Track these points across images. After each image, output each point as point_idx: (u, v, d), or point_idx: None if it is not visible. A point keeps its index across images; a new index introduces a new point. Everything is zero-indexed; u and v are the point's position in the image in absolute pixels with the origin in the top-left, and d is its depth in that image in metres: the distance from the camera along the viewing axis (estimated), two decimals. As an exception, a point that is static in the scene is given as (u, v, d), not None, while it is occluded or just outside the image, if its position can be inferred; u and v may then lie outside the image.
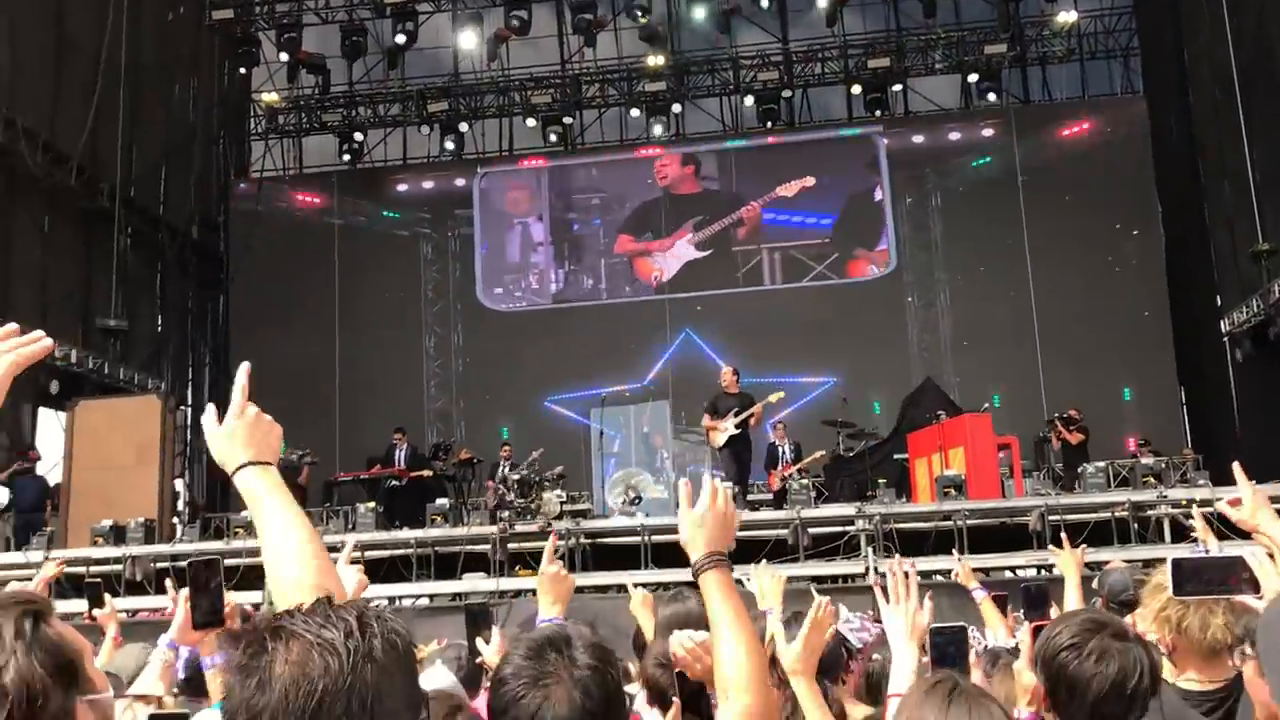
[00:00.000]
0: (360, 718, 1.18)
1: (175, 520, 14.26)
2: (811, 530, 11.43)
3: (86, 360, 17.24)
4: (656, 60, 21.79)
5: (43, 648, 1.53)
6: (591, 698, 1.67)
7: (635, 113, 22.58)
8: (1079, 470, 13.16)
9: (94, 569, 11.39)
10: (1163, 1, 20.00)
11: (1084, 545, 4.93)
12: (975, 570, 5.31)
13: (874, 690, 3.46)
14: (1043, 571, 10.29)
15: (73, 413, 15.05)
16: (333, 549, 2.43)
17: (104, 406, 15.45)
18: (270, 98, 23.28)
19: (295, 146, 23.98)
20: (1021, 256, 20.00)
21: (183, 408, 21.05)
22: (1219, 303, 18.06)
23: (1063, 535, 5.11)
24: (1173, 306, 19.60)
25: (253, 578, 8.09)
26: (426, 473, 15.90)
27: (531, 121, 22.62)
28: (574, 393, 19.89)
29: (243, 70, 22.82)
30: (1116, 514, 10.87)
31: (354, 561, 2.75)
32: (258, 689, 1.19)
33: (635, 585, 4.47)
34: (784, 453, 14.31)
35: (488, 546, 11.66)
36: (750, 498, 13.77)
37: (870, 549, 11.09)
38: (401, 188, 23.18)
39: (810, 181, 21.12)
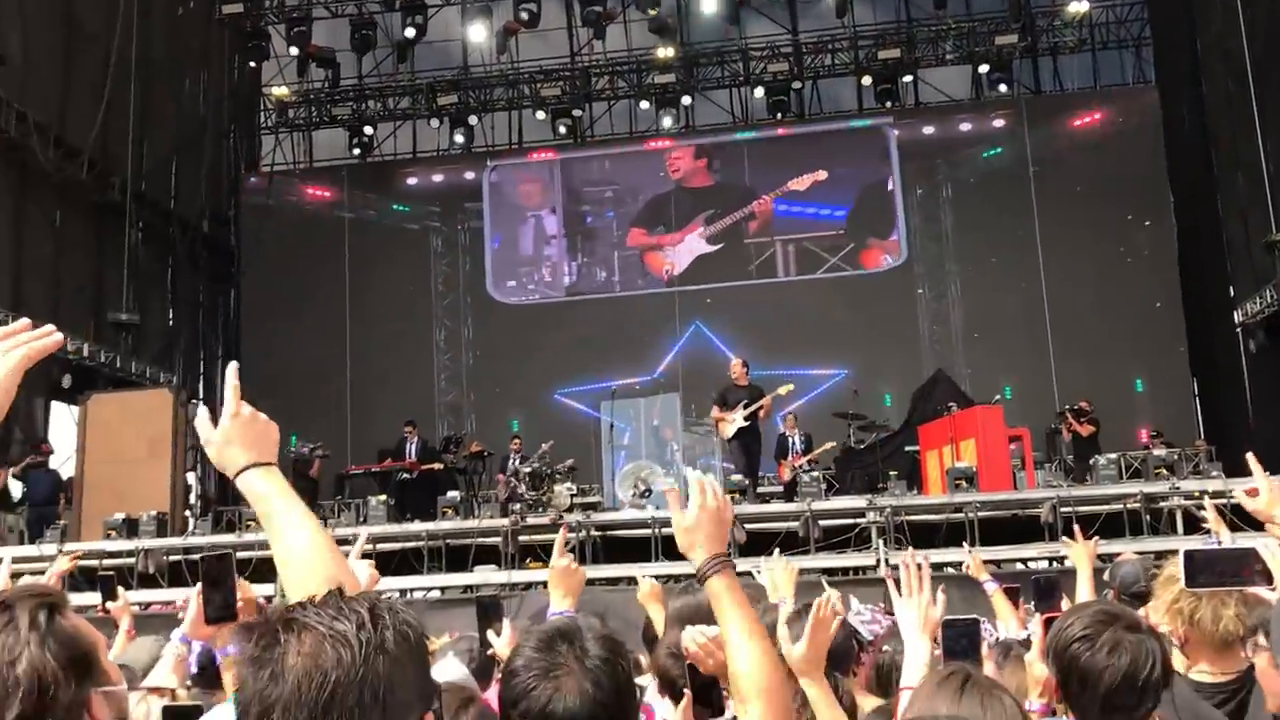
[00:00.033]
0: (372, 709, 1.19)
1: (187, 513, 14.32)
2: (822, 522, 11.42)
3: (98, 354, 17.31)
4: (666, 52, 21.75)
5: (57, 640, 1.54)
6: (602, 689, 1.67)
7: (645, 105, 22.55)
8: (1091, 462, 13.13)
9: (107, 562, 11.46)
10: (1175, -9, 19.90)
11: (1096, 537, 4.92)
12: (986, 562, 5.30)
13: (884, 681, 3.46)
14: (1054, 564, 10.28)
15: (85, 406, 15.10)
16: (344, 542, 2.44)
17: (116, 400, 15.50)
18: (280, 91, 23.32)
19: (305, 140, 24.01)
20: (1033, 247, 19.93)
21: (194, 401, 21.12)
22: (1232, 293, 17.97)
23: (1075, 527, 5.09)
24: (1185, 297, 19.51)
25: (265, 570, 8.11)
26: (437, 466, 15.93)
27: (541, 114, 22.61)
28: (584, 385, 19.91)
29: (253, 64, 22.86)
30: (1128, 506, 10.83)
31: (364, 556, 2.76)
32: (270, 680, 1.20)
33: (643, 576, 4.47)
34: (794, 443, 14.30)
35: (499, 539, 11.68)
36: (760, 490, 13.76)
37: (881, 541, 11.07)
38: (411, 181, 23.20)
39: (822, 175, 21.07)
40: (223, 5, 20.57)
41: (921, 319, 21.16)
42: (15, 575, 4.79)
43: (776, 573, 4.54)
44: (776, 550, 5.45)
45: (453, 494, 13.75)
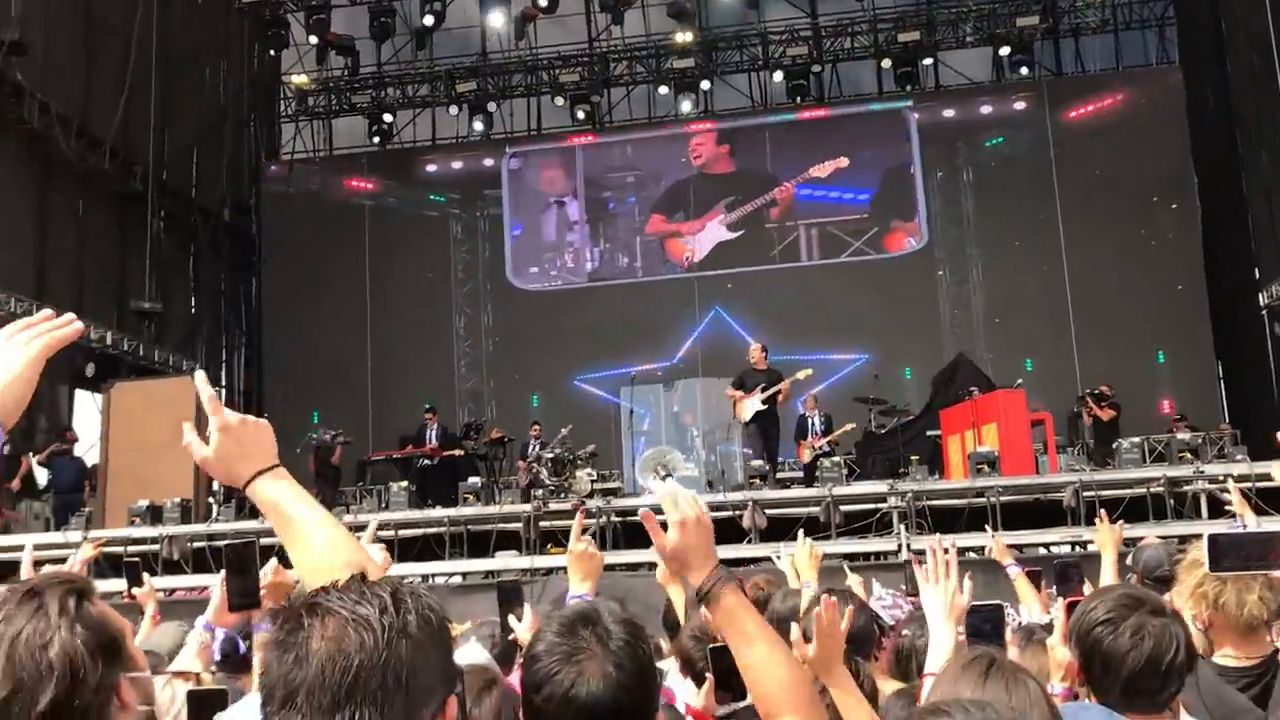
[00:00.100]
0: (395, 692, 1.19)
1: (210, 500, 14.41)
2: (843, 507, 11.41)
3: (121, 342, 17.43)
4: (685, 37, 21.66)
5: (85, 625, 1.56)
6: (625, 672, 1.67)
7: (664, 90, 22.49)
8: (1114, 446, 13.06)
9: (132, 548, 11.55)
10: (1199, -31, 19.69)
11: (1121, 521, 4.89)
12: (1008, 547, 5.28)
13: (903, 664, 3.46)
14: (1076, 548, 10.25)
15: (108, 394, 15.23)
16: (358, 529, 2.45)
17: (139, 388, 15.62)
18: (300, 80, 23.37)
19: (325, 128, 24.07)
20: (1055, 230, 19.81)
21: (217, 389, 21.24)
22: (1257, 275, 17.81)
23: (1101, 511, 5.06)
24: (1209, 280, 19.34)
25: (287, 557, 8.16)
26: (458, 452, 15.98)
27: (560, 100, 22.58)
28: (604, 371, 19.93)
29: (272, 53, 22.91)
30: (1152, 490, 10.77)
31: (385, 541, 2.77)
32: (295, 664, 1.21)
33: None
34: (814, 425, 14.27)
35: (520, 524, 11.73)
36: (780, 475, 13.76)
37: (903, 526, 11.06)
38: (431, 168, 23.23)
39: (844, 162, 20.96)
40: (242, -6, 20.64)
41: (942, 303, 21.06)
42: (40, 562, 4.84)
43: (798, 556, 4.55)
44: (800, 533, 5.45)
45: (474, 480, 13.81)
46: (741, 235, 21.42)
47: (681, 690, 3.03)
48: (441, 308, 22.15)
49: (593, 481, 13.29)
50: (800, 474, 14.29)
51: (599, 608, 1.80)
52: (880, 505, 11.35)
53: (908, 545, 10.53)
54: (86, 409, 17.14)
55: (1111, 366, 17.38)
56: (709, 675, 2.81)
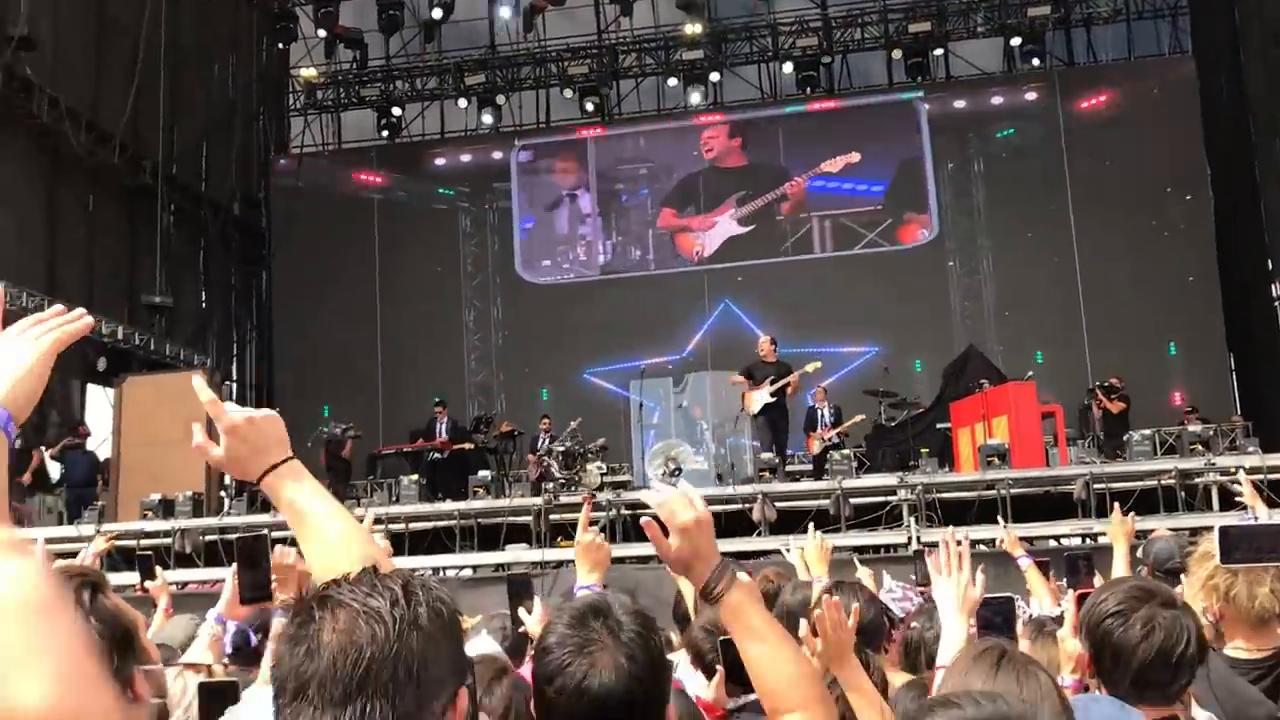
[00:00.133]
0: (407, 684, 1.20)
1: (222, 493, 14.46)
2: (853, 500, 11.41)
3: (133, 337, 17.49)
4: (694, 28, 21.63)
5: (100, 618, 1.57)
6: (637, 663, 1.67)
7: (673, 82, 22.45)
8: (1125, 438, 13.02)
9: (144, 542, 11.61)
10: (1211, -41, 19.57)
11: (1133, 514, 4.87)
12: (1019, 539, 5.27)
13: (912, 656, 3.46)
14: (1087, 540, 10.22)
15: (120, 389, 15.29)
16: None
17: (151, 382, 15.67)
18: (308, 73, 23.39)
19: (334, 122, 24.09)
20: (1066, 222, 19.73)
21: (228, 383, 21.34)
22: (1270, 266, 17.73)
23: (1115, 505, 5.05)
24: (1221, 270, 19.25)
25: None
26: (468, 445, 16.01)
27: (569, 93, 22.55)
28: (613, 365, 19.93)
29: (281, 46, 22.94)
30: (1163, 482, 10.75)
31: (394, 535, 2.78)
32: (306, 657, 1.21)
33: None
34: (823, 416, 14.26)
35: (530, 518, 11.75)
36: (790, 469, 13.76)
37: (913, 519, 11.05)
38: (440, 161, 23.23)
39: (855, 158, 20.84)
40: (251, -12, 20.67)
41: (953, 295, 21.00)
42: (53, 556, 4.86)
43: (808, 550, 4.55)
44: (811, 526, 5.45)
45: (484, 473, 13.82)
46: (752, 230, 21.38)
47: (692, 683, 3.04)
48: (451, 301, 22.16)
49: (602, 475, 13.29)
50: (809, 466, 14.28)
51: (610, 599, 1.80)
52: (890, 498, 11.34)
53: (918, 538, 10.53)
54: (98, 403, 17.21)
55: (1123, 358, 17.31)
56: (719, 667, 2.82)
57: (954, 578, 2.73)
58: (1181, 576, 3.53)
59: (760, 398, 13.05)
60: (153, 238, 18.73)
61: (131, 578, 6.59)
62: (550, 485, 12.64)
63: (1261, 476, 8.49)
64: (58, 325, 1.46)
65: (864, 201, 21.06)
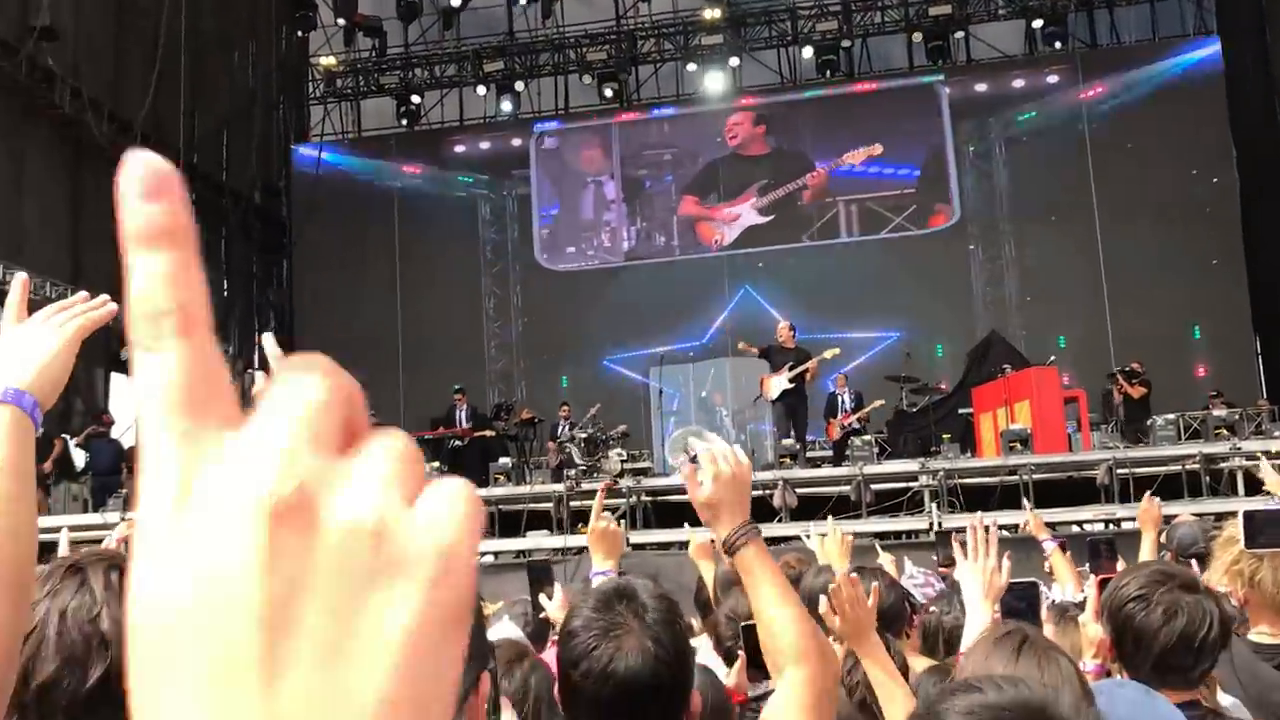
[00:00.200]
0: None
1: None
2: (874, 486, 11.40)
3: (156, 325, 17.57)
4: (713, 13, 21.53)
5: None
6: (663, 646, 1.67)
7: (692, 67, 22.36)
8: (1148, 423, 12.94)
9: (169, 528, 11.68)
10: (1237, -62, 19.33)
11: (1159, 500, 4.84)
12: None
13: (930, 641, 3.46)
14: (1110, 526, 10.18)
15: (145, 377, 15.36)
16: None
17: (174, 370, 15.74)
18: (328, 61, 23.42)
19: (354, 110, 24.13)
20: (1088, 205, 19.58)
21: (250, 371, 21.43)
22: (1296, 249, 17.56)
23: (1147, 493, 5.01)
24: (1248, 253, 19.07)
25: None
26: (489, 433, 16.06)
27: (587, 79, 22.50)
28: (633, 351, 19.94)
29: (300, 34, 22.96)
30: (1187, 467, 10.68)
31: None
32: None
33: (694, 533, 4.48)
34: (844, 402, 14.23)
35: (551, 504, 11.79)
36: (810, 455, 13.74)
37: (934, 505, 11.03)
38: (459, 149, 23.25)
39: (878, 150, 20.67)
40: (270, -24, 20.70)
41: (975, 279, 20.89)
42: (78, 543, 4.91)
43: (828, 545, 4.54)
44: (830, 519, 5.44)
45: (504, 460, 13.88)
46: (773, 218, 21.30)
47: (714, 664, 3.04)
48: (470, 289, 22.20)
49: (623, 461, 13.32)
50: (830, 453, 14.25)
51: (635, 584, 1.80)
52: (912, 484, 11.33)
53: (939, 524, 10.51)
54: (123, 391, 17.34)
55: (1147, 342, 17.19)
56: (740, 654, 2.82)
57: (980, 563, 2.72)
58: (1201, 561, 3.51)
59: (779, 384, 13.03)
60: (175, 227, 18.80)
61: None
62: (572, 472, 12.68)
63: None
64: (82, 312, 1.47)
65: (891, 185, 20.93)
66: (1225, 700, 2.53)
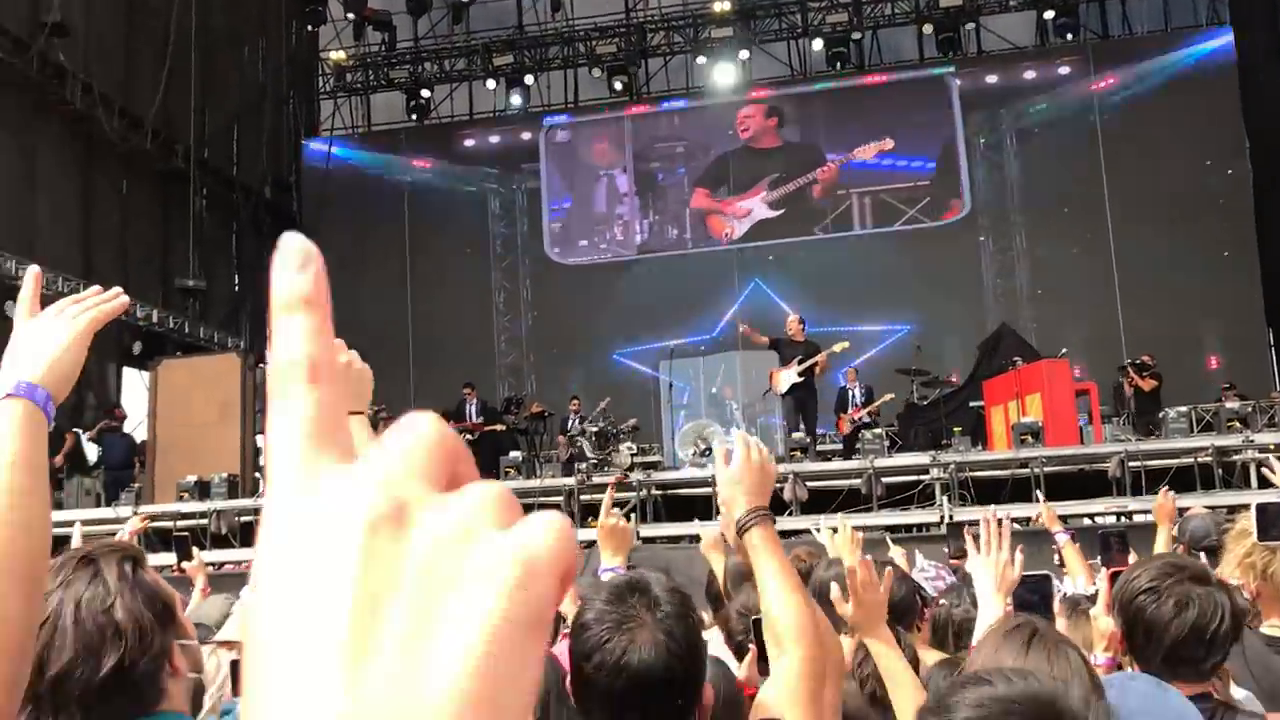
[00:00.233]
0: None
1: (257, 475, 14.59)
2: (885, 479, 11.38)
3: (167, 320, 17.66)
4: (722, 5, 21.49)
5: (143, 590, 1.60)
6: (676, 640, 1.67)
7: (701, 60, 22.32)
8: (1160, 415, 12.90)
9: (181, 523, 11.75)
10: (1249, -73, 19.20)
11: (1173, 494, 4.82)
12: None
13: (939, 633, 3.46)
14: (1122, 519, 10.15)
15: (155, 372, 15.44)
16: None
17: (185, 365, 15.83)
18: (338, 56, 23.45)
19: (363, 104, 24.16)
20: (1100, 197, 19.50)
21: (262, 365, 21.49)
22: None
23: (1164, 488, 4.99)
24: (1261, 245, 18.96)
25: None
26: (499, 427, 16.09)
27: (597, 72, 22.48)
28: (643, 345, 19.93)
29: (310, 29, 22.99)
30: (1200, 459, 10.64)
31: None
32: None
33: (705, 527, 4.49)
34: (854, 397, 14.21)
35: (561, 498, 11.80)
36: (820, 448, 13.72)
37: (945, 498, 11.01)
38: (469, 143, 23.26)
39: (889, 144, 20.64)
40: (279, -29, 20.72)
41: (986, 272, 20.84)
42: (91, 538, 4.93)
43: (839, 541, 4.54)
44: (839, 516, 5.44)
45: (514, 454, 13.89)
46: (783, 214, 21.26)
47: (724, 657, 3.05)
48: (480, 283, 22.22)
49: (633, 455, 13.32)
50: (840, 446, 14.23)
51: (648, 577, 1.80)
52: (923, 477, 11.31)
53: (950, 517, 10.49)
54: (134, 386, 17.41)
55: (1159, 334, 17.13)
56: (751, 647, 2.82)
57: (993, 557, 2.71)
58: (1213, 554, 3.50)
59: (788, 377, 13.02)
60: (185, 222, 18.89)
61: (168, 559, 6.69)
62: (583, 465, 12.69)
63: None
64: (94, 305, 1.48)
65: (906, 178, 20.88)
66: (1238, 694, 2.53)
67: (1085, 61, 20.59)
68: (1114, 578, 2.55)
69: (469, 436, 15.78)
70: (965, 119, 20.91)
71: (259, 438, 17.85)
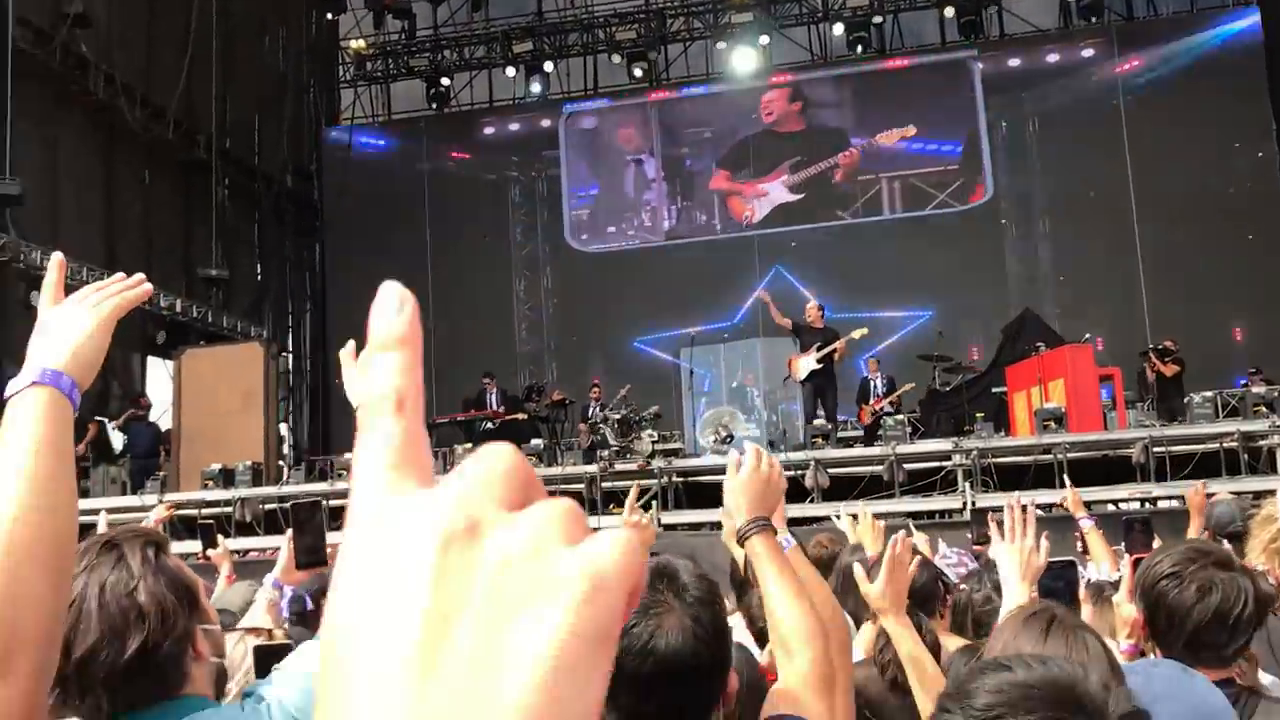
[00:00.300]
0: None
1: (281, 463, 14.70)
2: (907, 466, 11.35)
3: (190, 310, 17.78)
4: (742, -10, 21.39)
5: (165, 574, 1.62)
6: (702, 626, 1.67)
7: (721, 45, 22.21)
8: (1185, 400, 12.80)
9: (205, 511, 11.85)
10: (1276, -94, 18.94)
11: (1205, 482, 4.80)
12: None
13: (959, 618, 3.45)
14: (1146, 505, 10.09)
15: (179, 361, 15.56)
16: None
17: (209, 354, 15.94)
18: (358, 44, 23.47)
19: (383, 93, 24.19)
20: (1124, 180, 19.32)
21: (284, 354, 21.63)
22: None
23: (1201, 481, 4.96)
24: (1288, 228, 18.76)
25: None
26: (520, 415, 16.13)
27: (616, 58, 22.41)
28: (664, 332, 19.92)
29: (330, 17, 23.04)
30: (1225, 445, 10.56)
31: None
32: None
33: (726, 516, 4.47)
34: (875, 387, 14.17)
35: (582, 486, 11.84)
36: (841, 435, 13.70)
37: (968, 484, 10.97)
38: (489, 130, 23.26)
39: (911, 131, 20.47)
40: (299, -40, 20.75)
41: (1008, 257, 20.71)
42: (117, 525, 4.97)
43: (861, 530, 4.54)
44: (860, 503, 5.43)
45: (536, 442, 13.92)
46: (804, 196, 21.17)
47: (747, 643, 3.05)
48: (501, 270, 22.25)
49: (654, 442, 13.33)
50: (861, 434, 14.20)
51: (676, 563, 1.80)
52: (945, 463, 11.28)
53: (973, 503, 10.46)
54: (158, 375, 17.54)
55: (1184, 319, 16.99)
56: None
57: (1018, 544, 2.70)
58: (1238, 539, 3.48)
59: (806, 364, 13.01)
60: (208, 211, 18.99)
61: (193, 546, 6.74)
62: (604, 453, 12.71)
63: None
64: (117, 291, 1.49)
65: (934, 162, 20.75)
66: (1265, 679, 2.51)
67: (1109, 43, 20.38)
68: (1137, 564, 2.54)
69: (490, 425, 15.84)
70: (987, 102, 20.74)
71: (282, 425, 18.00)
